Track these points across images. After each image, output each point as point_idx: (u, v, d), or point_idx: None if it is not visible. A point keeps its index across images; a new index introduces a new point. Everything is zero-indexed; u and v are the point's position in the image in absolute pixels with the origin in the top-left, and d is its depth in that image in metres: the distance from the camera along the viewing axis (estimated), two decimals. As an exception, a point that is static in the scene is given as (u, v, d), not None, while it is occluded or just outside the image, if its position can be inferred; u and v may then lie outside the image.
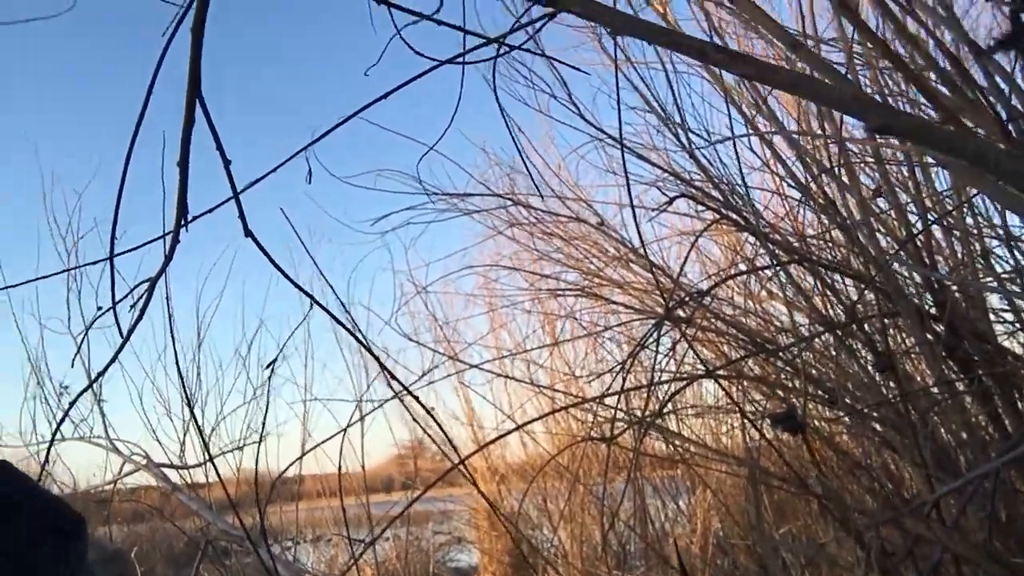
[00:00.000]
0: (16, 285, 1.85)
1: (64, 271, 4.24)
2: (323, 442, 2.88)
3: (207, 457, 3.61)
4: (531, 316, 4.44)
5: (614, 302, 3.61)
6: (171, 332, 1.44)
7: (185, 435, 4.11)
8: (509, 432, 2.99)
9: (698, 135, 3.16)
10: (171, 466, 3.30)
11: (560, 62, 2.94)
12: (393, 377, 1.58)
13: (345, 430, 2.75)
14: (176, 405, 4.59)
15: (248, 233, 1.25)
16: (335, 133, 1.54)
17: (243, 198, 1.38)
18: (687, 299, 3.10)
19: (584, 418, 5.04)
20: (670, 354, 3.07)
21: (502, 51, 1.33)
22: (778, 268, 3.23)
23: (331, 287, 1.50)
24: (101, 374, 1.55)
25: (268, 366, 1.89)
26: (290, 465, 2.96)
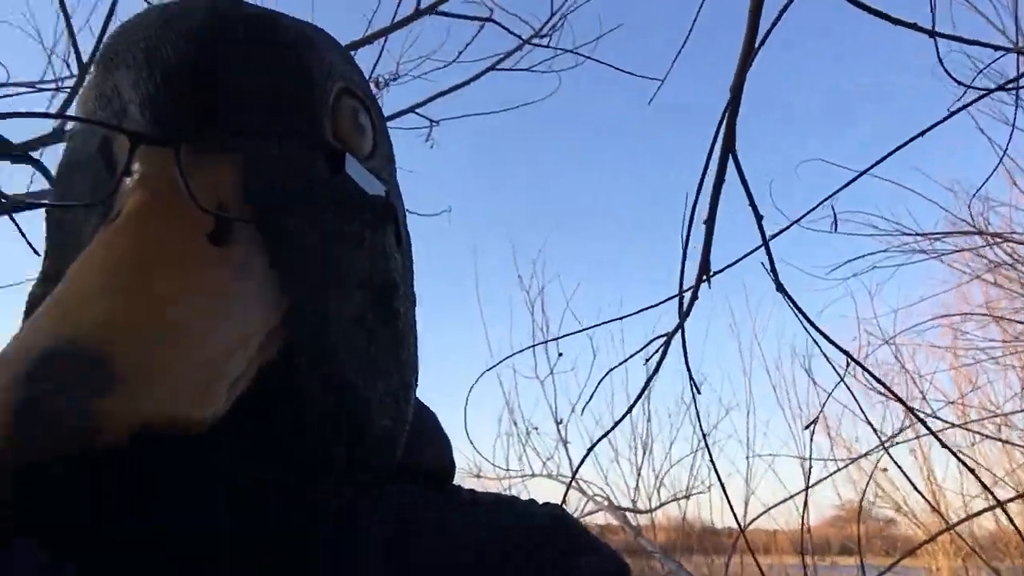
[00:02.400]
0: (498, 364, 2.08)
1: (530, 346, 4.68)
2: (786, 500, 2.79)
3: (659, 502, 3.73)
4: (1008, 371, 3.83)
5: None
6: (692, 389, 1.48)
7: (638, 479, 4.32)
8: (990, 508, 2.58)
9: None
10: (631, 509, 3.45)
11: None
12: (930, 429, 1.45)
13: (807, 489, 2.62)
14: (626, 449, 4.86)
15: (780, 288, 1.23)
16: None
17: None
18: None
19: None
20: None
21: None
22: None
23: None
24: (615, 425, 1.65)
25: (807, 427, 1.86)
26: (757, 517, 2.90)
